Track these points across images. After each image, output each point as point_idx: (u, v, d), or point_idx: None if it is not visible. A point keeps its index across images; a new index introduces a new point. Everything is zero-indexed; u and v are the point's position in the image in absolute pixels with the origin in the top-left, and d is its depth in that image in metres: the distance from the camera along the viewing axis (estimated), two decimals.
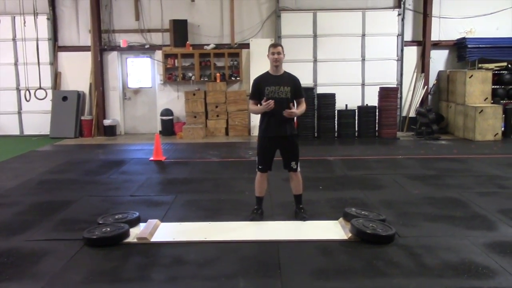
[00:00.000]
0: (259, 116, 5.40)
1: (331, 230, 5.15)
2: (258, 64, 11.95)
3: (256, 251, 4.64)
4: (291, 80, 5.28)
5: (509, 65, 11.98)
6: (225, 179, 7.67)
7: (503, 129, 11.33)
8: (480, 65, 12.02)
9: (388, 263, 4.34)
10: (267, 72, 5.36)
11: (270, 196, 6.55)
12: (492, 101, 11.58)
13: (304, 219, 5.35)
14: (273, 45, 5.23)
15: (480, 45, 12.01)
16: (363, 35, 12.48)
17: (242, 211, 5.94)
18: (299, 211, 5.48)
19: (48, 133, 12.57)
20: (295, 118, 5.38)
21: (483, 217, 5.59)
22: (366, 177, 7.67)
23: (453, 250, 4.60)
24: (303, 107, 5.35)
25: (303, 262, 4.38)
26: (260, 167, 5.41)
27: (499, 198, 6.33)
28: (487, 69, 11.79)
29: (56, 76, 12.78)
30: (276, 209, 5.95)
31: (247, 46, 12.41)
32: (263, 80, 5.29)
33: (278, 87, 5.19)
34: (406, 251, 4.59)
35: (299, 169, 5.41)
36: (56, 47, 12.70)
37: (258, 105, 5.27)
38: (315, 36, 12.49)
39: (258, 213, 5.49)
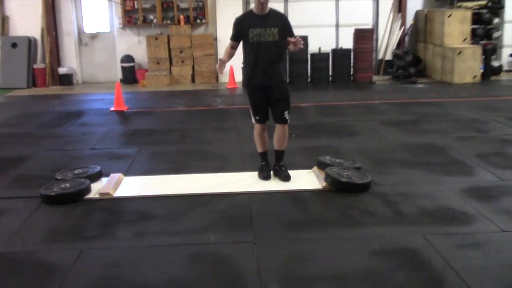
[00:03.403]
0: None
1: (305, 180, 5.18)
2: (225, 5, 11.62)
3: (226, 204, 4.65)
4: (279, 20, 4.93)
5: (489, 3, 12.00)
6: (192, 130, 7.62)
7: (482, 70, 11.43)
8: (459, 4, 11.99)
9: (364, 212, 4.40)
10: (251, 11, 4.99)
11: (240, 146, 6.54)
12: (471, 42, 11.63)
13: (287, 178, 5.15)
14: None
15: None
16: None
17: (210, 162, 5.94)
18: (280, 169, 5.23)
19: None
20: (284, 63, 5.16)
21: (461, 162, 5.69)
22: (341, 124, 7.71)
23: (430, 197, 4.68)
24: None
25: (275, 214, 4.41)
26: (257, 118, 5.11)
27: (477, 143, 6.45)
28: (466, 7, 11.78)
29: (4, 21, 12.23)
30: (247, 159, 5.94)
31: None
32: (247, 21, 4.91)
33: (264, 29, 4.83)
34: (382, 199, 4.66)
35: (288, 120, 5.13)
36: None
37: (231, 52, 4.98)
38: None
39: (267, 170, 5.26)
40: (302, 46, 4.82)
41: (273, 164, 5.29)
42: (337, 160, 5.45)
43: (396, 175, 5.35)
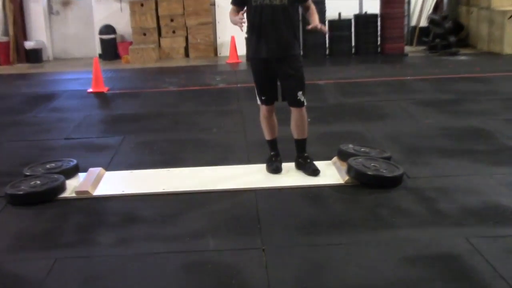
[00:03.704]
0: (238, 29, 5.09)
1: (323, 173, 5.17)
2: None
3: (229, 204, 4.66)
4: None
5: None
6: (186, 114, 7.66)
7: None
8: None
9: (394, 211, 4.39)
10: None
11: (244, 133, 6.56)
12: None
13: (316, 172, 5.13)
14: None
15: None
16: None
17: (209, 154, 5.96)
18: (305, 162, 5.22)
19: None
20: (298, 32, 5.09)
21: None
22: (366, 105, 7.72)
23: (475, 192, 4.67)
24: (314, 12, 5.02)
25: (288, 215, 4.41)
26: (263, 98, 5.10)
27: None
28: None
29: None
30: (253, 149, 5.95)
31: None
32: None
33: None
34: (417, 195, 4.65)
35: (305, 102, 5.09)
36: None
37: (237, 15, 4.86)
38: None
39: (278, 161, 5.29)
40: (326, 32, 4.78)
41: (295, 156, 5.30)
42: (362, 149, 5.44)
43: (433, 166, 5.34)
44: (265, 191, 4.87)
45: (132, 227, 4.32)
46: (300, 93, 5.02)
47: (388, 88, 8.66)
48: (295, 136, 5.23)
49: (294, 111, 5.12)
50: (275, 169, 5.23)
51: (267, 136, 5.32)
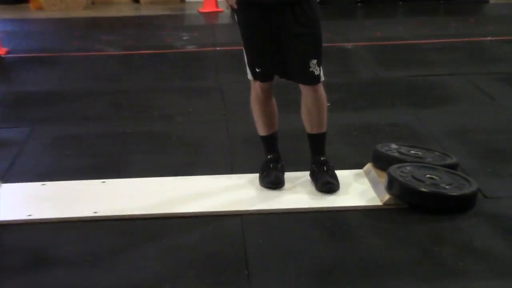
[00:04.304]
0: None
1: (350, 189, 5.15)
2: None
3: (200, 236, 4.60)
4: None
5: None
6: (134, 93, 7.81)
7: None
8: None
9: (463, 250, 4.31)
10: None
11: (225, 124, 6.58)
12: None
13: (331, 187, 5.12)
14: None
15: None
16: None
17: (169, 156, 6.02)
18: (319, 170, 5.24)
19: None
20: None
21: None
22: (419, 81, 7.78)
23: None
24: None
25: (291, 255, 4.34)
26: (257, 70, 5.08)
27: None
28: None
29: None
30: (238, 150, 6.04)
31: None
32: None
33: None
34: (499, 225, 4.59)
35: (322, 76, 5.09)
36: None
37: None
38: None
39: (278, 169, 5.29)
40: None
41: (310, 162, 5.30)
42: (412, 151, 5.41)
43: None
44: (256, 216, 4.84)
45: (43, 273, 4.22)
46: (314, 62, 4.97)
47: (455, 55, 8.69)
48: (308, 129, 5.22)
49: (305, 92, 5.08)
50: (273, 182, 5.18)
51: (262, 131, 5.29)
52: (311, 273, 4.15)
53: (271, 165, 5.27)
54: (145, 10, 11.89)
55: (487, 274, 4.09)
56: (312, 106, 5.10)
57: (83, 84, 8.02)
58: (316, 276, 4.13)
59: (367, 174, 5.35)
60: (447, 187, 4.86)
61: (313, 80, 4.99)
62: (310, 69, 4.96)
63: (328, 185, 5.09)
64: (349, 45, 9.14)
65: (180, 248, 4.47)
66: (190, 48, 9.50)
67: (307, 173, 5.27)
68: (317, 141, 5.24)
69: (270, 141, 5.31)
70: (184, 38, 9.96)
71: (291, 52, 4.99)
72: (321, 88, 5.06)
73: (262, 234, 4.60)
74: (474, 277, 4.06)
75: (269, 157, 5.29)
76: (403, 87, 7.54)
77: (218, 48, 9.24)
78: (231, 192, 5.19)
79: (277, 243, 4.51)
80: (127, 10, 11.93)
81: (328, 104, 5.18)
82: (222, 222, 4.77)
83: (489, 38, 9.37)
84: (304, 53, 4.96)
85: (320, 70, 4.99)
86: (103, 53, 9.29)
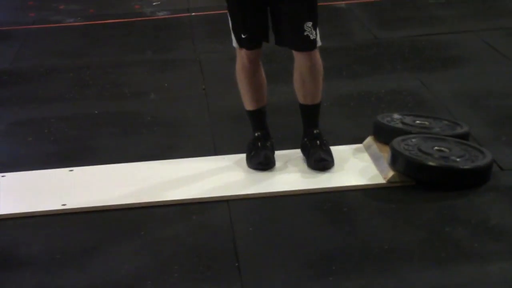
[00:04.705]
0: None
1: (348, 166, 5.20)
2: None
3: (184, 226, 4.63)
4: None
5: None
6: (100, 68, 7.74)
7: None
8: None
9: (479, 230, 4.34)
10: None
11: (205, 100, 6.60)
12: None
13: (326, 164, 5.14)
14: None
15: None
16: None
17: (144, 138, 6.04)
18: (311, 144, 5.24)
19: None
20: None
21: None
22: (423, 41, 7.78)
23: None
24: None
25: (285, 242, 4.38)
26: (243, 36, 5.06)
27: None
28: None
29: None
30: (220, 129, 6.06)
31: None
32: None
33: None
34: None
35: (319, 41, 5.09)
36: None
37: None
38: None
39: (267, 147, 5.28)
40: None
41: (302, 135, 5.31)
42: (417, 121, 5.44)
43: None
44: (245, 202, 4.87)
45: (7, 275, 4.24)
46: (309, 25, 4.98)
47: (462, 9, 8.67)
48: (301, 100, 5.24)
49: (299, 59, 5.10)
50: (263, 162, 5.19)
51: (249, 105, 5.29)
52: (310, 263, 4.17)
53: (260, 143, 5.27)
54: None
55: (505, 255, 4.12)
56: (307, 75, 5.11)
57: (41, 60, 8.01)
58: (316, 265, 4.15)
59: (367, 148, 5.38)
60: (458, 159, 4.87)
61: (308, 45, 5.02)
62: (305, 33, 4.97)
63: (322, 162, 5.11)
64: (342, 3, 9.13)
65: (161, 241, 4.47)
66: (162, 14, 9.44)
67: (299, 150, 5.29)
68: (310, 113, 5.27)
69: (258, 117, 5.32)
70: (154, 3, 9.90)
71: (283, 14, 4.99)
72: (317, 54, 5.09)
73: (252, 222, 4.63)
74: (491, 259, 4.08)
75: (256, 134, 5.30)
76: (405, 49, 7.51)
77: (193, 14, 9.19)
78: (215, 176, 5.19)
79: (269, 231, 4.53)
80: None
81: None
82: (207, 209, 4.79)
83: None
84: (298, 15, 4.96)
85: (316, 33, 5.00)
86: (62, 24, 9.21)
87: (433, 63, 7.09)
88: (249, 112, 5.33)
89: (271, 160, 5.23)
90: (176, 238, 4.52)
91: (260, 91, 5.26)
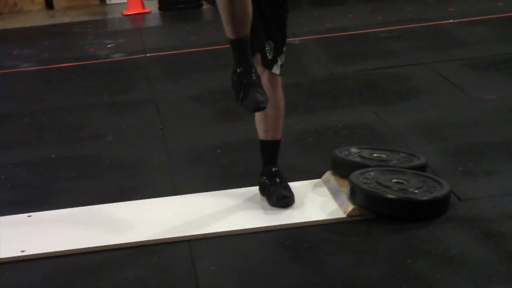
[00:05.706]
0: None
1: (308, 201, 5.20)
2: None
3: (145, 269, 4.60)
4: None
5: None
6: (56, 112, 7.71)
7: None
8: None
9: (439, 260, 4.36)
10: None
11: (163, 139, 6.54)
12: None
13: (287, 201, 5.11)
14: None
15: None
16: None
17: (102, 181, 5.99)
18: (273, 183, 5.20)
19: None
20: None
21: None
22: (378, 74, 7.80)
23: None
24: None
25: (251, 281, 4.38)
26: None
27: None
28: None
29: None
30: (180, 167, 6.04)
31: None
32: None
33: None
34: (476, 230, 4.65)
35: (279, 69, 5.05)
36: None
37: None
38: None
39: (253, 83, 4.59)
40: None
41: (260, 173, 5.29)
42: (375, 154, 5.46)
43: (502, 176, 5.39)
44: (206, 241, 4.84)
45: None
46: (269, 43, 5.00)
47: (415, 42, 8.73)
48: (262, 135, 5.24)
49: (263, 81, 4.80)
50: (256, 106, 4.60)
51: (232, 33, 4.61)
52: None
53: (245, 79, 4.64)
54: (61, 17, 11.81)
55: (467, 285, 4.15)
56: (269, 108, 4.88)
57: None
58: None
59: (326, 183, 5.39)
60: (416, 191, 4.90)
61: (266, 65, 5.03)
62: (264, 52, 5.01)
63: (284, 200, 5.10)
64: (296, 39, 9.17)
65: (123, 284, 4.45)
66: (117, 56, 9.43)
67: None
68: (270, 150, 5.27)
69: (241, 46, 4.67)
70: (109, 46, 9.89)
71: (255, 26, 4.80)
72: (279, 80, 5.12)
73: (214, 261, 4.60)
74: None
75: (239, 70, 4.68)
76: (360, 83, 7.54)
77: (148, 55, 9.20)
78: (176, 216, 5.17)
79: (232, 270, 4.53)
80: (40, 19, 11.84)
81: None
82: (168, 250, 4.76)
83: (451, 20, 9.47)
84: (267, 33, 5.01)
85: (279, 55, 5.06)
86: (16, 69, 9.19)
87: (388, 96, 7.13)
88: (232, 41, 4.64)
89: (265, 98, 4.61)
90: (138, 280, 4.48)
91: (245, 12, 4.59)
